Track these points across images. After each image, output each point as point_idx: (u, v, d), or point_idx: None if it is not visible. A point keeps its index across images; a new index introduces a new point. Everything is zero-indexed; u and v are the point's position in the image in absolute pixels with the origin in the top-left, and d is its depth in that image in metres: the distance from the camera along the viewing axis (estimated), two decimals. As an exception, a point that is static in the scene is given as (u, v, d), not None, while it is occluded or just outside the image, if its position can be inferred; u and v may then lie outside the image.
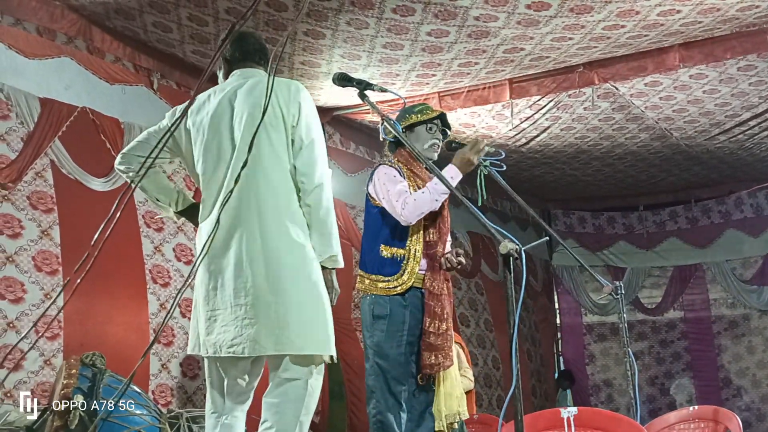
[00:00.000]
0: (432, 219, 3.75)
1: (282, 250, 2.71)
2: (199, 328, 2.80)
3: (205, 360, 2.87)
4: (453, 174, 3.55)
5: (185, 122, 2.96)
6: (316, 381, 2.77)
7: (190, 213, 3.09)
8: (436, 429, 3.78)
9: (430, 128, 3.88)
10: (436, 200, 3.59)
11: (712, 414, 4.24)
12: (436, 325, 3.67)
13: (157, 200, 3.13)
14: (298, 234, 2.74)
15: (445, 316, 3.70)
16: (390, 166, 3.81)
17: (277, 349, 2.66)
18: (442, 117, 3.94)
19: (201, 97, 2.99)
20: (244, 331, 2.68)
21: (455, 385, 3.92)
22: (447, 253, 3.79)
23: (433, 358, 3.66)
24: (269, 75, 2.68)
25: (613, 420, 3.48)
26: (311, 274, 2.75)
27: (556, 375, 10.60)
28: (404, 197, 3.60)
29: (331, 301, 2.82)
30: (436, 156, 3.88)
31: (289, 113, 2.79)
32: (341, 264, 2.84)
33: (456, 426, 3.95)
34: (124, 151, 3.07)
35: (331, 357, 2.79)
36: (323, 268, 2.81)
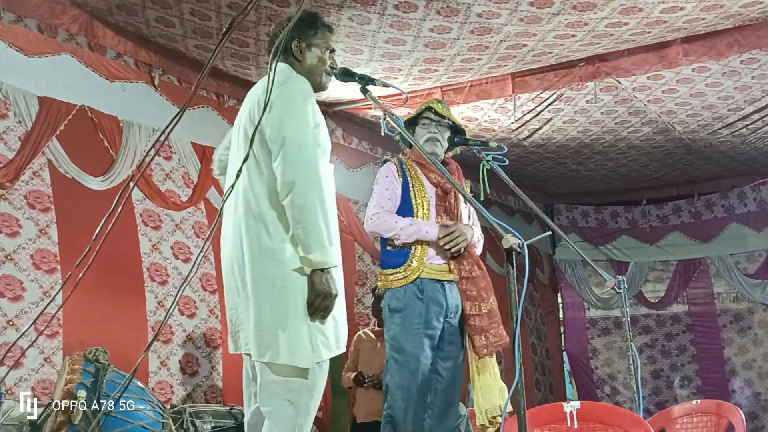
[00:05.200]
0: (444, 209, 3.76)
1: (254, 256, 2.66)
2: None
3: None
4: (430, 232, 3.67)
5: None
6: (312, 383, 2.69)
7: None
8: (478, 423, 3.69)
9: (424, 123, 3.90)
10: (399, 235, 3.68)
11: (715, 408, 4.24)
12: (477, 306, 3.64)
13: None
14: (270, 238, 2.66)
15: (484, 296, 3.66)
16: (393, 163, 3.85)
17: (252, 355, 2.66)
18: (428, 108, 3.93)
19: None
20: (244, 333, 2.75)
21: (495, 377, 3.73)
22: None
23: (484, 339, 3.61)
24: (269, 72, 2.61)
25: (616, 414, 3.48)
26: (276, 280, 2.63)
27: None
28: (380, 209, 3.72)
29: (312, 304, 2.62)
30: (437, 149, 3.86)
31: (267, 115, 2.69)
32: (320, 264, 2.61)
33: (500, 420, 3.67)
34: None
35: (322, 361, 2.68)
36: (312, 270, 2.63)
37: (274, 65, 2.64)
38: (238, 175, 2.59)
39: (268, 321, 2.62)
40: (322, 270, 2.61)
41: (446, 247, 3.66)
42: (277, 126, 2.66)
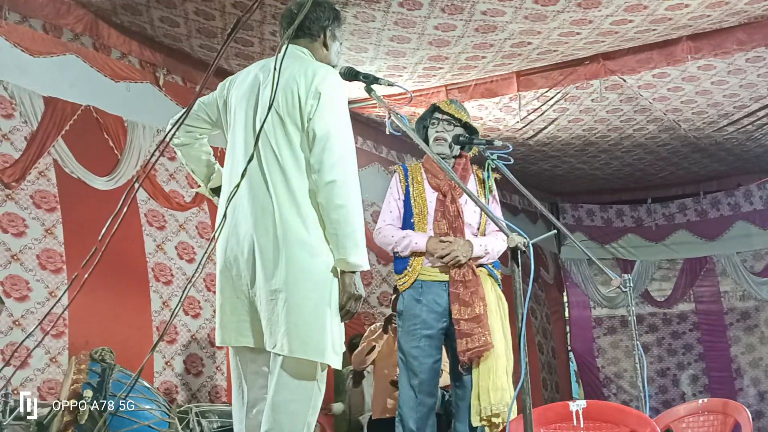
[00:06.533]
0: (442, 214, 3.77)
1: (292, 250, 2.56)
2: (217, 316, 2.80)
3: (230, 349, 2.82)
4: (419, 243, 3.75)
5: (225, 95, 2.88)
6: (322, 380, 2.65)
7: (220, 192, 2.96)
8: (473, 423, 3.68)
9: (432, 122, 3.91)
10: (396, 248, 3.85)
11: (722, 406, 4.21)
12: (465, 310, 3.65)
13: (193, 172, 3.11)
14: (307, 231, 2.57)
15: (474, 300, 3.66)
16: (399, 172, 3.94)
17: (273, 348, 2.56)
18: (435, 109, 3.94)
19: (244, 71, 2.88)
20: (252, 324, 2.69)
21: (497, 376, 3.66)
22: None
23: (465, 343, 3.61)
24: (274, 70, 2.47)
25: (622, 413, 3.46)
26: (319, 277, 2.57)
27: None
28: (383, 223, 3.90)
29: (344, 306, 2.59)
30: (444, 149, 3.85)
31: (307, 104, 2.59)
32: (356, 267, 2.58)
33: (496, 421, 3.63)
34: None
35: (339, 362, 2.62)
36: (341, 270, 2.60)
37: (287, 40, 2.56)
38: (242, 176, 2.51)
39: (312, 318, 2.55)
40: (352, 272, 2.60)
41: (442, 261, 3.70)
42: (321, 119, 2.57)
